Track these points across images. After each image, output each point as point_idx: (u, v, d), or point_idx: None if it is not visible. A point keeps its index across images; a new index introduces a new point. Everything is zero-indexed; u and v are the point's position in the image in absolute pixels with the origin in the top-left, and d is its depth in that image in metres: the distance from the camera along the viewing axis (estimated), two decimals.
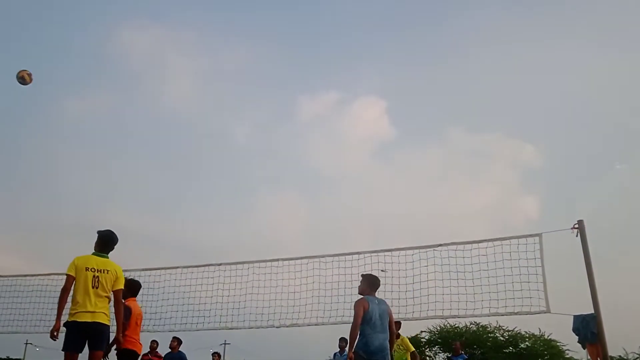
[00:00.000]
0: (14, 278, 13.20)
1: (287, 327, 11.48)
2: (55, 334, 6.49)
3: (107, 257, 6.94)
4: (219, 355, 14.62)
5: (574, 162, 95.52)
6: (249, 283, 11.97)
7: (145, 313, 10.85)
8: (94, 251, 6.92)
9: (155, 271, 12.41)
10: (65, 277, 6.78)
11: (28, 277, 13.16)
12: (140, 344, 8.53)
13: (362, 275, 8.04)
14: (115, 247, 7.10)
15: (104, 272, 6.71)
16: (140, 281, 11.74)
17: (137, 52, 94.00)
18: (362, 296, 7.62)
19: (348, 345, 7.40)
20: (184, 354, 13.26)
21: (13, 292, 12.89)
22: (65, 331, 6.50)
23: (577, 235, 10.31)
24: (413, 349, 10.37)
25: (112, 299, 6.89)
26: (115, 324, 6.89)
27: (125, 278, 8.94)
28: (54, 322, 6.57)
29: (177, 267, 12.50)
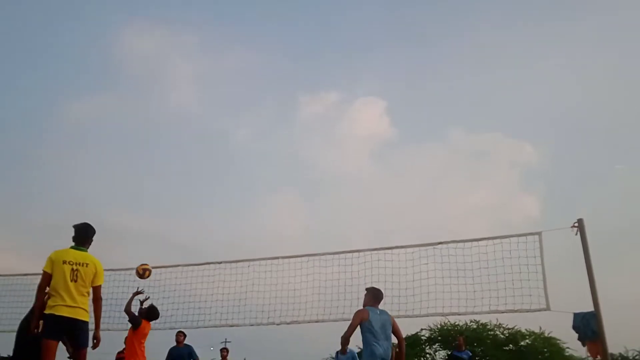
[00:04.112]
0: (15, 277, 13.27)
1: (287, 324, 11.50)
2: (35, 331, 6.38)
3: (86, 251, 6.77)
4: (227, 351, 14.43)
5: (574, 162, 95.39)
6: (250, 281, 11.99)
7: None
8: (72, 245, 6.77)
9: (156, 269, 12.42)
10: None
11: (29, 277, 13.21)
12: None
13: (367, 289, 8.25)
14: (93, 240, 6.93)
15: (83, 266, 6.55)
16: (141, 279, 11.86)
17: (140, 54, 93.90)
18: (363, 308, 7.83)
19: (342, 348, 7.65)
20: (191, 347, 12.84)
21: (15, 292, 12.95)
22: (44, 322, 6.35)
23: (576, 234, 10.34)
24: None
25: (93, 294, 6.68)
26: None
27: (151, 305, 9.89)
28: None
29: (178, 266, 12.55)
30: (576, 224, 10.36)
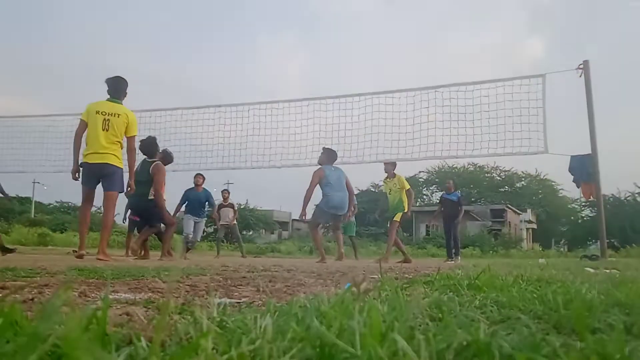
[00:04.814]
0: (16, 119, 13.24)
1: (289, 167, 11.67)
2: (76, 175, 7.10)
3: (120, 103, 7.25)
4: (228, 192, 14.71)
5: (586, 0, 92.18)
6: (250, 125, 11.98)
7: None
8: (108, 97, 7.25)
9: (155, 112, 12.38)
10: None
11: (28, 118, 13.21)
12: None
13: (323, 148, 9.77)
14: (126, 91, 7.42)
15: (114, 116, 7.03)
16: (141, 122, 11.83)
17: None
18: (320, 166, 9.41)
19: (302, 205, 9.24)
20: (209, 192, 12.64)
21: (16, 133, 12.93)
22: (82, 171, 7.09)
23: (581, 76, 10.18)
24: (408, 186, 10.71)
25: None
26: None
27: (164, 150, 10.05)
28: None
29: (177, 109, 12.46)
30: (581, 66, 10.17)
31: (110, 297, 1.88)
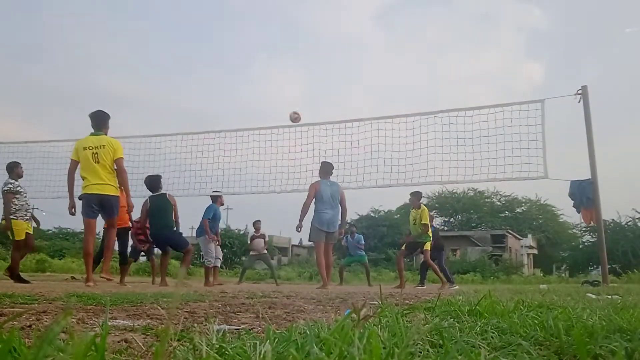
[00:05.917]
0: (16, 145, 13.24)
1: (288, 192, 11.67)
2: (72, 210, 7.57)
3: (103, 134, 7.62)
4: (260, 223, 14.09)
5: (583, 26, 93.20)
6: (250, 150, 12.02)
7: None
8: (92, 132, 7.64)
9: (155, 138, 12.42)
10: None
11: (29, 144, 13.22)
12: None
13: (321, 163, 9.67)
14: (108, 122, 7.79)
15: (101, 148, 7.44)
16: (141, 147, 11.84)
17: None
18: (318, 179, 9.29)
19: (299, 217, 9.13)
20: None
21: (16, 159, 12.91)
22: (81, 202, 7.45)
23: (579, 101, 10.24)
24: (426, 221, 10.67)
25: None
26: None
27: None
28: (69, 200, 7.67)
29: (177, 134, 12.50)
30: (580, 91, 10.24)
31: (109, 323, 1.87)
